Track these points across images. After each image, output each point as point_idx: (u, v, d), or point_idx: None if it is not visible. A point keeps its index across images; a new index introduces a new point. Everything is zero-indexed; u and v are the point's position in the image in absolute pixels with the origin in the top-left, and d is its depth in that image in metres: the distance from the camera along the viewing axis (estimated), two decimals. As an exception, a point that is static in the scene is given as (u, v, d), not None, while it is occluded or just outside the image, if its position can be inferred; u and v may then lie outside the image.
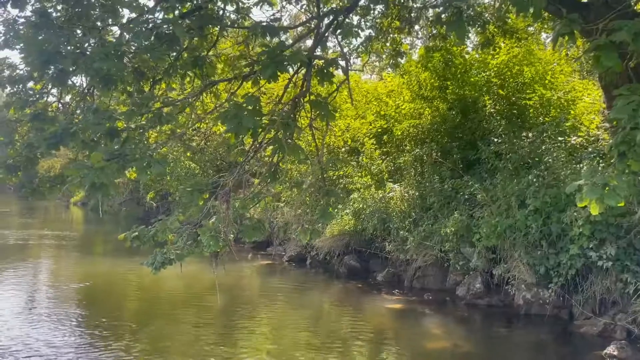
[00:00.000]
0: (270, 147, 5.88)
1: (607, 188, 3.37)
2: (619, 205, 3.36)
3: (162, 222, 6.19)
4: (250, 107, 5.32)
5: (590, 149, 9.61)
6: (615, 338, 7.10)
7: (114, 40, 5.81)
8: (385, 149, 14.62)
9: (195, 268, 12.12)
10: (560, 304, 8.53)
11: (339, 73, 7.15)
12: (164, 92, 6.36)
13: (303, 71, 6.39)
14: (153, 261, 5.81)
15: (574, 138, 10.33)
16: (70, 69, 5.36)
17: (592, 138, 10.34)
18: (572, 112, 11.76)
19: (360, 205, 12.70)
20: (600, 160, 8.50)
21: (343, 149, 15.21)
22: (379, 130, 14.96)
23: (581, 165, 9.40)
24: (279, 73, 5.09)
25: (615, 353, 6.44)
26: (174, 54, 6.15)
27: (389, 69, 18.03)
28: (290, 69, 6.77)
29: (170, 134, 6.70)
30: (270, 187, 6.74)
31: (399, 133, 13.80)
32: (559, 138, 10.31)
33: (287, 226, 15.17)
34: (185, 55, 6.33)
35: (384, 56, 13.23)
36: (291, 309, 9.82)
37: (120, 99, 6.85)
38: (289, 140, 5.70)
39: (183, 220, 6.24)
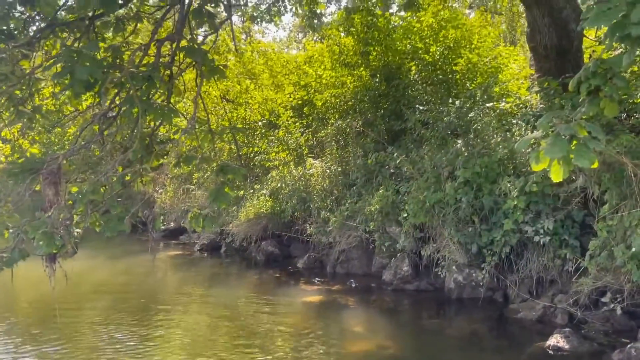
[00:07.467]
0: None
1: (574, 141, 2.26)
2: (592, 167, 2.27)
3: (-13, 216, 4.61)
4: (89, 54, 3.86)
5: (520, 115, 8.82)
6: (557, 323, 6.29)
7: None
8: (306, 122, 13.39)
9: (93, 263, 10.42)
10: (494, 286, 7.71)
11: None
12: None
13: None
14: (-33, 270, 4.24)
15: (503, 103, 9.58)
16: None
17: (521, 104, 9.64)
18: (499, 76, 11.08)
19: (278, 184, 11.43)
20: (535, 125, 7.68)
21: (260, 123, 13.81)
22: (299, 102, 13.69)
23: (512, 132, 8.66)
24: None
25: (560, 344, 5.53)
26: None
27: (309, 36, 16.75)
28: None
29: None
30: (145, 163, 5.27)
31: (320, 104, 12.62)
32: (487, 104, 9.53)
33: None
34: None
35: (300, 19, 11.98)
36: (200, 307, 8.41)
37: None
38: (150, 101, 4.28)
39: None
